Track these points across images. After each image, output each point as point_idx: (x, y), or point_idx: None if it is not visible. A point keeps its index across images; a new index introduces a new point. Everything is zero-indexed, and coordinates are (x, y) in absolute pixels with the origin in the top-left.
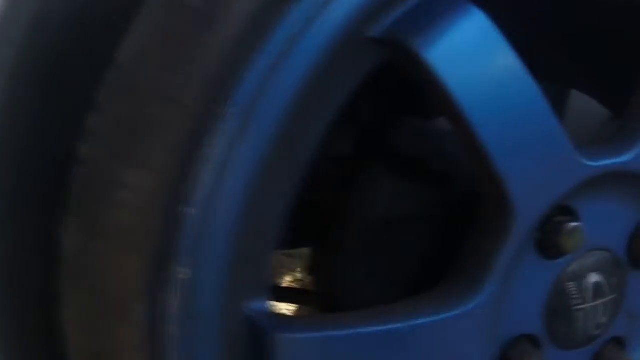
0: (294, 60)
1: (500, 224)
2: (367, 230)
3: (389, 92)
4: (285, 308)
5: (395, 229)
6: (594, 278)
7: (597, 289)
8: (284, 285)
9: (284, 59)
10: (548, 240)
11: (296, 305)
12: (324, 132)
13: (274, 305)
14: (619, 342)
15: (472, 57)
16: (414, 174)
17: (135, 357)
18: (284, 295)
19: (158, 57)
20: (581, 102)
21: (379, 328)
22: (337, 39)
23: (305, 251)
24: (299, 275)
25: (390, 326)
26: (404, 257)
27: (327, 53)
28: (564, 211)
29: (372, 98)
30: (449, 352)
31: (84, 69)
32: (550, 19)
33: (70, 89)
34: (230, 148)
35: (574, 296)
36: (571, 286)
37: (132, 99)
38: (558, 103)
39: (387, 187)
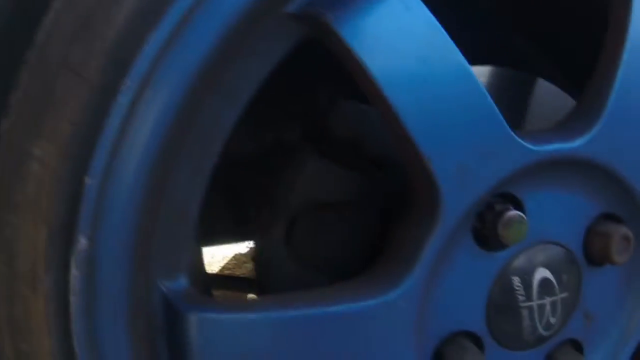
0: (192, 35)
1: (428, 210)
2: (293, 215)
3: (331, 74)
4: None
5: (323, 214)
6: (541, 274)
7: (545, 286)
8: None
9: (180, 34)
10: (486, 230)
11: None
12: (239, 111)
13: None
14: (574, 345)
15: (392, 32)
16: (347, 158)
17: (45, 325)
18: (229, 283)
19: (67, 33)
20: None
21: (292, 313)
22: (242, 14)
23: None
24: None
25: (303, 312)
26: (332, 244)
27: (231, 27)
28: (506, 199)
29: (313, 80)
30: (369, 343)
31: (10, 49)
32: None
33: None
34: (127, 120)
35: (519, 292)
36: (516, 281)
37: (43, 74)
38: (525, 91)
39: (315, 171)
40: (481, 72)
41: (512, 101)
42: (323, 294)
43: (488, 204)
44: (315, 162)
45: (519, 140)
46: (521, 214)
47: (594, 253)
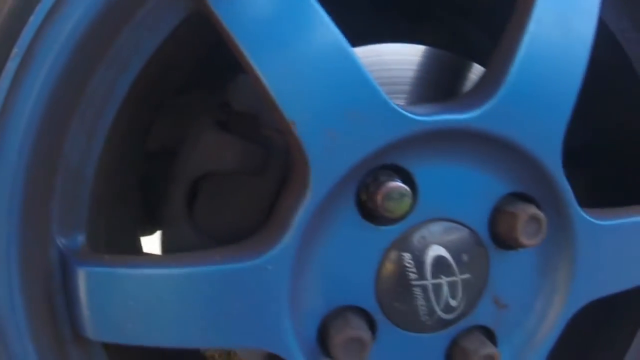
0: (72, 8)
1: (300, 177)
2: (193, 185)
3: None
4: None
5: (221, 184)
6: (436, 252)
7: (441, 265)
8: None
9: (60, 7)
10: (370, 202)
11: None
12: (131, 79)
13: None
14: (486, 333)
15: (259, 3)
16: (246, 130)
17: None
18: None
19: None
20: None
21: (168, 270)
22: None
23: None
24: None
25: (178, 270)
26: (230, 212)
27: (112, 2)
28: (394, 172)
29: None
30: (241, 303)
31: None
32: None
33: None
34: (14, 85)
35: (410, 270)
36: (407, 258)
37: None
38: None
39: (213, 143)
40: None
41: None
42: (203, 255)
43: (374, 176)
44: (214, 135)
45: (398, 109)
46: (403, 185)
47: (501, 234)
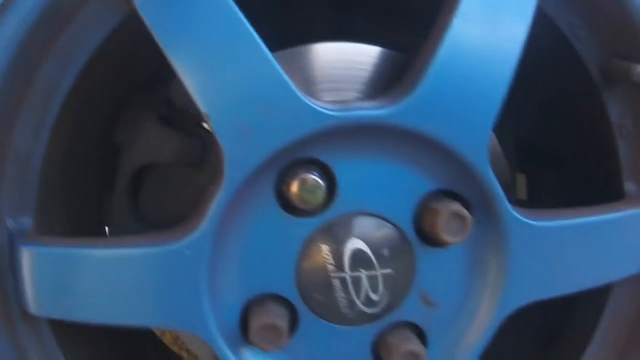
0: (15, 11)
1: (217, 166)
2: (134, 174)
3: None
4: None
5: (160, 174)
6: (355, 245)
7: (360, 258)
8: None
9: (4, 10)
10: (288, 194)
11: None
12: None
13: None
14: (413, 329)
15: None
16: (186, 124)
17: None
18: None
19: None
20: None
21: (96, 251)
22: None
23: None
24: None
25: (106, 251)
26: (168, 202)
27: (52, 5)
28: (313, 165)
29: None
30: (162, 285)
31: None
32: None
33: None
34: None
35: (329, 262)
36: (325, 250)
37: None
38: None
39: (153, 137)
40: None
41: None
42: (133, 239)
43: (292, 168)
44: (154, 128)
45: (309, 103)
46: (316, 178)
47: (425, 231)
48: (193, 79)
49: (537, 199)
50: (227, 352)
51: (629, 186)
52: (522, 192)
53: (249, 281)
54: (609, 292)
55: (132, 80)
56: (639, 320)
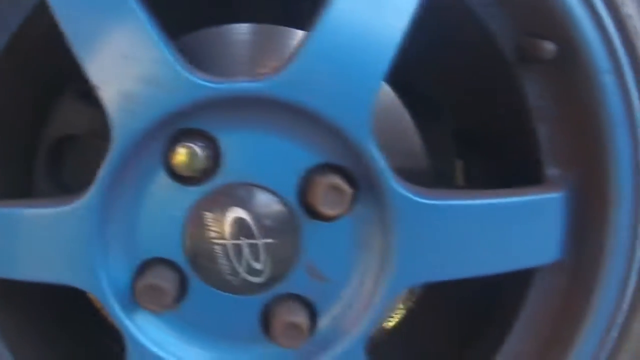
0: None
1: (108, 135)
2: (54, 144)
3: None
4: None
5: (80, 145)
6: (237, 214)
7: (240, 227)
8: None
9: None
10: (170, 162)
11: None
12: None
13: None
14: (301, 302)
15: None
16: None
17: None
18: None
19: None
20: None
21: (6, 210)
22: None
23: None
24: None
25: (11, 210)
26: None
27: None
28: (197, 135)
29: None
30: (59, 244)
31: None
32: None
33: None
34: None
35: (211, 228)
36: (208, 217)
37: None
38: None
39: (72, 110)
40: None
41: None
42: (40, 200)
43: (177, 138)
44: (72, 102)
45: (190, 75)
46: (195, 147)
47: (307, 203)
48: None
49: (474, 186)
50: (120, 313)
51: (550, 170)
52: (460, 179)
53: (140, 245)
54: (529, 283)
55: (59, 57)
56: (563, 314)
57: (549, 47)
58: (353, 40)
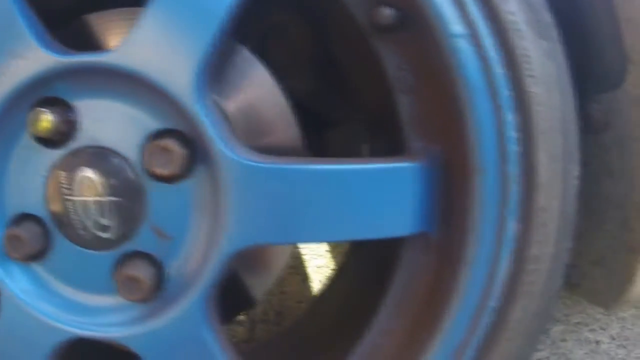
0: None
1: None
2: None
3: None
4: None
5: None
6: (85, 173)
7: (87, 184)
8: None
9: None
10: (32, 126)
11: None
12: None
13: None
14: (148, 259)
15: None
16: None
17: None
18: None
19: None
20: None
21: None
22: None
23: None
24: None
25: None
26: None
27: None
28: (56, 103)
29: None
30: None
31: None
32: None
33: None
34: None
35: (64, 186)
36: (62, 175)
37: None
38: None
39: None
40: None
41: None
42: None
43: (38, 105)
44: None
45: (43, 48)
46: (44, 111)
47: (150, 168)
48: None
49: None
50: None
51: (413, 143)
52: None
53: (10, 200)
54: (398, 261)
55: None
56: (431, 295)
57: (386, 12)
58: (177, 14)
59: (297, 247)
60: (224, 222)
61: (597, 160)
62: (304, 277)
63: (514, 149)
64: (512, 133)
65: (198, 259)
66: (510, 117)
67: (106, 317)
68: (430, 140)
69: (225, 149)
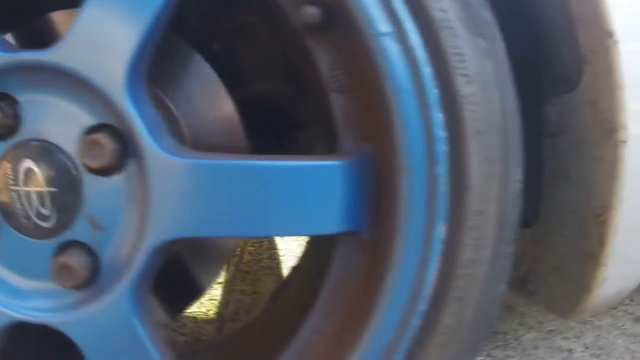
0: None
1: None
2: None
3: None
4: None
5: None
6: (27, 164)
7: (30, 175)
8: None
9: None
10: None
11: None
12: None
13: None
14: (85, 250)
15: None
16: None
17: None
18: None
19: None
20: None
21: None
22: None
23: None
24: None
25: None
26: None
27: None
28: (5, 97)
29: None
30: None
31: None
32: None
33: None
34: None
35: (9, 177)
36: (8, 167)
37: None
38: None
39: None
40: None
41: None
42: None
43: None
44: None
45: None
46: None
47: (86, 160)
48: None
49: None
50: None
51: (345, 143)
52: None
53: None
54: (330, 260)
55: None
56: (361, 295)
57: (312, 11)
58: (109, 12)
59: (274, 248)
60: (150, 215)
61: (554, 165)
62: (278, 278)
63: (442, 149)
64: (440, 133)
65: (129, 249)
66: (438, 117)
67: (44, 303)
68: (361, 139)
69: (153, 143)
